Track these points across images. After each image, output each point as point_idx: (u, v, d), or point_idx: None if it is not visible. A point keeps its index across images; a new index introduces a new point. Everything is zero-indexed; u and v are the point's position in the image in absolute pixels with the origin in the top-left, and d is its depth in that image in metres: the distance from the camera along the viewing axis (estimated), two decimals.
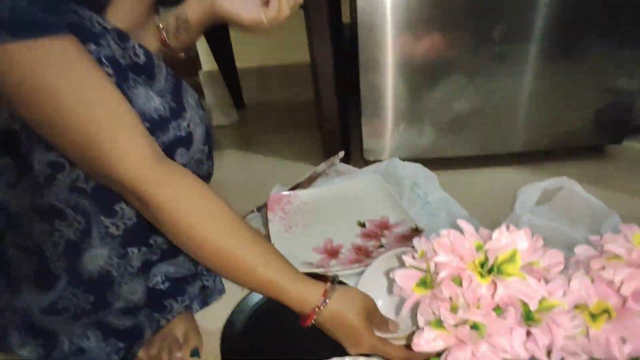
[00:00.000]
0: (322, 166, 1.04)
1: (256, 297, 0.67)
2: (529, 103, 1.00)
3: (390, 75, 0.99)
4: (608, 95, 0.98)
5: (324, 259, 0.78)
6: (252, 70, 1.70)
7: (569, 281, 0.37)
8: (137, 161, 0.42)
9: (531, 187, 0.68)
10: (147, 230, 0.55)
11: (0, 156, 0.47)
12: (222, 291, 0.71)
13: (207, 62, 1.68)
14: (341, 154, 1.04)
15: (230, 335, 0.61)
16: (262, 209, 0.96)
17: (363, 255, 0.77)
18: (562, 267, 0.38)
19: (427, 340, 0.36)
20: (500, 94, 0.99)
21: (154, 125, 0.50)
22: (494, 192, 0.96)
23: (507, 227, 0.37)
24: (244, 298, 0.67)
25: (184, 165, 0.51)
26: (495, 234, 0.37)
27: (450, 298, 0.36)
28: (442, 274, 0.37)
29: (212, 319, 0.66)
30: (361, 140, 1.08)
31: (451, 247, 0.38)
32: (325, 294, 0.47)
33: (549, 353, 0.34)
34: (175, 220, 0.45)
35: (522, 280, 0.34)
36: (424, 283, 0.40)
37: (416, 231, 0.79)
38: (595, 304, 0.35)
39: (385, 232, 0.84)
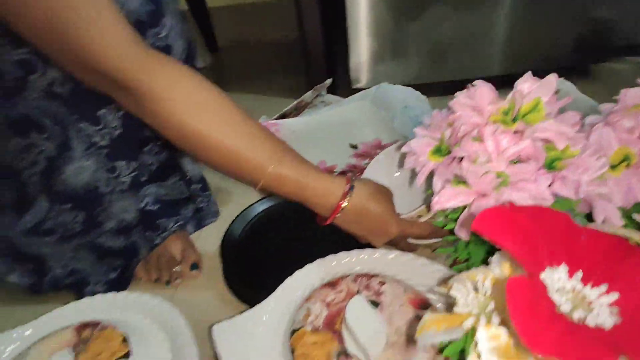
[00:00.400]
0: (309, 94, 0.99)
1: (256, 210, 0.65)
2: (510, 26, 0.98)
3: (376, 2, 0.94)
4: (591, 14, 0.98)
5: None
6: (224, 9, 1.59)
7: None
8: (122, 47, 0.36)
9: None
10: (135, 145, 0.51)
11: None
12: (216, 214, 0.68)
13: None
14: (328, 81, 1.00)
15: (230, 242, 0.59)
16: None
17: (358, 172, 0.75)
18: (579, 126, 0.37)
19: (447, 197, 0.35)
20: (481, 17, 0.97)
21: None
22: None
23: (531, 74, 0.35)
24: (244, 210, 0.64)
25: None
26: (519, 82, 0.35)
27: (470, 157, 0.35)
28: (463, 129, 0.35)
29: (209, 242, 0.63)
30: (347, 71, 1.04)
31: (469, 105, 0.36)
32: (349, 182, 0.44)
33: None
34: (168, 111, 0.39)
35: (549, 122, 0.33)
36: (439, 150, 0.38)
37: None
38: (615, 152, 0.35)
39: (379, 151, 0.82)
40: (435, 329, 0.26)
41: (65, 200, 0.47)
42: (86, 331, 0.42)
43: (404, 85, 0.98)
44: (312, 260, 0.50)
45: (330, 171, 0.77)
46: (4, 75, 0.40)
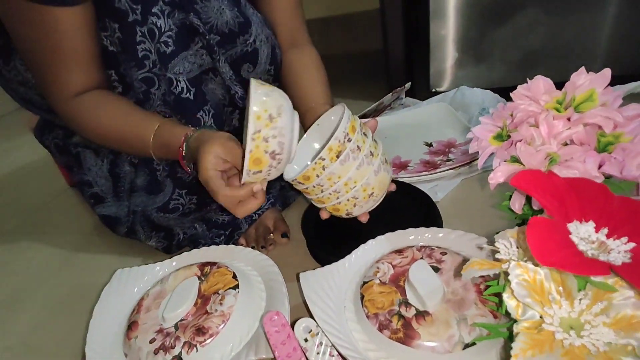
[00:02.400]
0: (389, 97, 1.07)
1: None
2: (604, 30, 0.95)
3: (460, 6, 0.99)
4: None
5: (393, 171, 0.83)
6: (316, 22, 1.74)
7: None
8: (54, 100, 0.55)
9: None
10: None
11: (108, 71, 0.56)
12: (298, 192, 0.79)
13: None
14: (408, 84, 1.07)
15: (311, 216, 0.69)
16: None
17: (431, 167, 0.81)
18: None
19: (502, 173, 0.40)
20: (574, 22, 0.95)
21: (224, 39, 0.58)
22: None
23: (586, 69, 0.39)
24: None
25: None
26: (574, 75, 0.39)
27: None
28: (519, 116, 0.41)
29: (295, 219, 0.75)
30: (427, 76, 1.10)
31: (527, 95, 0.41)
32: (187, 132, 0.51)
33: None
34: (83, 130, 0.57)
35: (602, 108, 0.37)
36: (499, 136, 0.44)
37: None
38: None
39: (453, 149, 0.86)
40: (478, 268, 0.33)
41: (184, 187, 0.62)
42: (207, 268, 0.55)
43: (485, 89, 1.01)
44: (382, 234, 0.58)
45: (404, 166, 0.84)
46: (135, 89, 0.56)
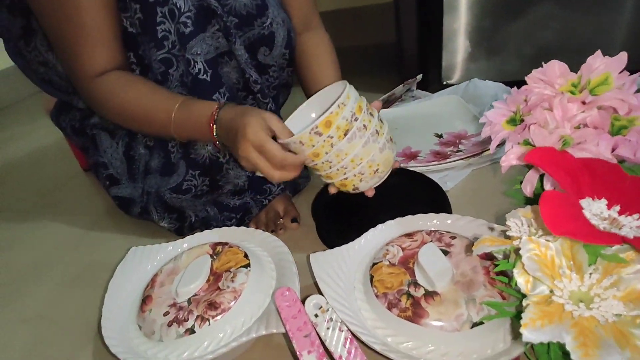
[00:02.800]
0: (400, 88, 1.07)
1: None
2: (621, 26, 0.94)
3: (475, 4, 0.98)
4: None
5: (403, 160, 0.83)
6: (328, 14, 1.75)
7: None
8: (78, 78, 0.57)
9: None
10: None
11: (128, 54, 0.58)
12: (308, 179, 0.80)
13: None
14: (419, 76, 1.07)
15: (321, 202, 0.70)
16: None
17: (441, 157, 0.81)
18: None
19: (514, 155, 0.41)
20: (591, 16, 0.94)
21: (242, 21, 0.59)
22: None
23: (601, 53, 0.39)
24: None
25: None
26: (590, 58, 0.40)
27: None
28: (534, 99, 0.41)
29: (304, 204, 0.76)
30: (439, 68, 1.10)
31: (542, 79, 0.41)
32: (216, 107, 0.52)
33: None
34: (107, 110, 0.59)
35: (617, 91, 0.37)
36: (513, 120, 0.44)
37: None
38: None
39: (463, 140, 0.87)
40: (489, 244, 0.34)
41: (197, 167, 0.63)
42: (218, 247, 0.57)
43: (497, 82, 1.00)
44: (390, 220, 0.58)
45: (414, 156, 0.84)
46: (154, 70, 0.57)
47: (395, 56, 1.26)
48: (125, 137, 0.70)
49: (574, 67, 0.42)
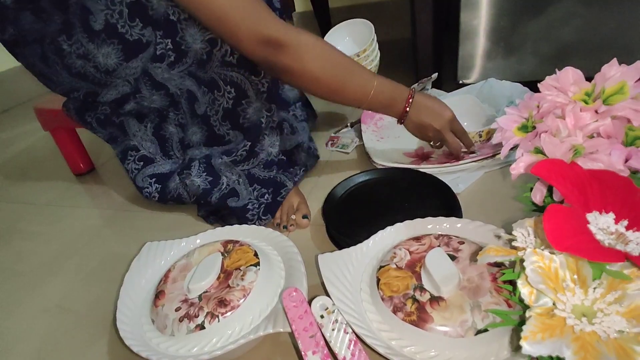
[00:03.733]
0: (415, 87, 1.07)
1: (354, 180, 0.76)
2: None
3: (494, 2, 0.97)
4: None
5: (414, 161, 0.83)
6: (342, 9, 1.74)
7: None
8: (249, 45, 0.57)
9: None
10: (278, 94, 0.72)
11: (163, 40, 0.61)
12: (316, 156, 0.86)
13: (300, 3, 1.76)
14: (434, 75, 1.05)
15: (332, 201, 0.71)
16: (355, 124, 1.03)
17: (454, 159, 0.81)
18: None
19: (525, 164, 0.41)
20: (614, 20, 0.91)
21: None
22: None
23: (617, 61, 0.38)
24: (344, 179, 0.76)
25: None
26: (605, 67, 0.39)
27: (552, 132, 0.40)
28: (546, 106, 0.40)
29: (316, 203, 0.76)
30: (455, 66, 1.08)
31: (555, 86, 0.41)
32: (411, 90, 0.68)
33: None
34: (304, 62, 0.59)
35: (631, 101, 0.36)
36: (524, 127, 0.44)
37: None
38: None
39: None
40: (494, 254, 0.34)
41: (241, 130, 0.69)
42: (229, 245, 0.58)
43: (514, 82, 0.99)
44: (398, 222, 0.59)
45: (426, 156, 0.84)
46: (197, 52, 0.62)
47: (411, 53, 1.25)
48: (155, 119, 0.73)
49: (594, 66, 0.41)
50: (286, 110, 0.80)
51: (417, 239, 0.53)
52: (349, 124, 1.05)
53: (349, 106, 0.69)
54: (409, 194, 0.71)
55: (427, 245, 0.52)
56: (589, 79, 0.41)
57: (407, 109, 0.69)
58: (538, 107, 0.45)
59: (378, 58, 0.86)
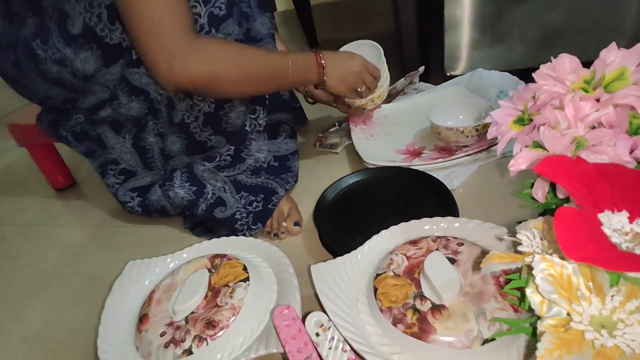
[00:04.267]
0: (402, 82, 1.04)
1: (345, 182, 0.73)
2: (625, 15, 0.89)
3: None
4: None
5: (406, 158, 0.80)
6: (324, 6, 1.70)
7: None
8: (182, 36, 0.53)
9: None
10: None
11: None
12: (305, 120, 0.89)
13: (281, 2, 1.72)
14: (421, 68, 1.03)
15: (323, 205, 0.68)
16: (344, 123, 1.00)
17: (446, 154, 0.78)
18: None
19: (524, 159, 0.38)
20: (602, 1, 0.90)
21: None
22: None
23: (617, 45, 0.36)
24: (335, 182, 0.73)
25: None
26: (603, 52, 0.36)
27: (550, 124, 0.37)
28: (543, 97, 0.38)
29: (306, 207, 0.74)
30: (441, 58, 1.06)
31: (551, 75, 0.38)
32: (317, 53, 0.68)
33: None
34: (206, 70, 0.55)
35: (630, 87, 0.34)
36: (520, 120, 0.41)
37: None
38: None
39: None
40: (498, 262, 0.31)
41: (224, 135, 0.66)
42: (217, 260, 0.55)
43: (502, 71, 0.96)
44: (392, 223, 0.56)
45: (418, 153, 0.81)
46: None
47: (396, 47, 1.22)
48: (132, 130, 0.69)
49: (583, 50, 0.38)
50: (286, 112, 0.77)
51: (414, 242, 0.50)
52: (336, 123, 1.02)
53: (273, 92, 0.70)
54: (403, 194, 0.69)
55: (425, 249, 0.49)
56: (582, 64, 0.38)
57: (323, 70, 0.68)
58: (534, 98, 0.42)
59: (388, 81, 0.85)
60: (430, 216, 0.56)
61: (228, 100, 0.62)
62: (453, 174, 0.75)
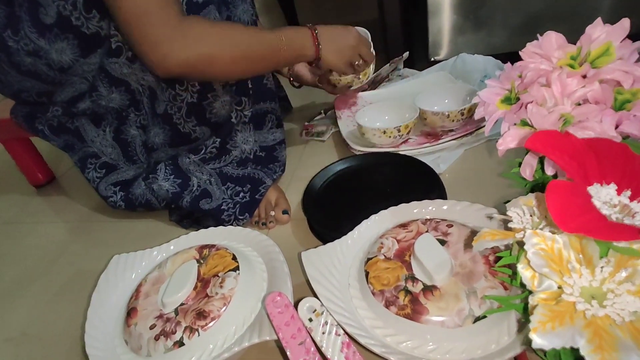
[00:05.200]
0: (386, 68, 1.03)
1: (333, 170, 0.73)
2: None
3: None
4: None
5: (393, 143, 0.80)
6: None
7: None
8: (169, 19, 0.50)
9: None
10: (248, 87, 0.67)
11: (118, 32, 0.55)
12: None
13: None
14: (405, 54, 1.02)
15: (311, 193, 0.67)
16: (330, 111, 0.99)
17: (433, 138, 0.79)
18: None
19: (512, 138, 0.38)
20: None
21: None
22: None
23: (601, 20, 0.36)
24: (322, 169, 0.72)
25: None
26: (589, 27, 0.36)
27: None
28: (530, 75, 0.38)
29: (294, 196, 0.73)
30: (426, 44, 1.05)
31: (538, 53, 0.38)
32: (311, 29, 0.65)
33: None
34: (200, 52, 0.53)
35: (616, 62, 0.34)
36: (508, 99, 0.41)
37: None
38: None
39: None
40: (490, 239, 0.31)
41: (209, 126, 0.64)
42: (205, 250, 0.54)
43: (486, 55, 0.97)
44: (381, 208, 0.56)
45: (405, 139, 0.81)
46: None
47: (379, 33, 1.21)
48: (113, 122, 0.67)
49: (567, 33, 0.38)
50: (271, 101, 0.75)
51: (404, 225, 0.50)
52: (322, 111, 1.01)
53: (267, 71, 0.69)
54: (391, 179, 0.69)
55: (415, 232, 0.49)
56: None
57: (319, 45, 0.66)
58: (520, 77, 0.42)
59: (374, 61, 0.84)
60: (419, 200, 0.56)
61: (211, 89, 0.60)
62: (440, 158, 0.75)
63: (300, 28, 0.65)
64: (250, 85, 0.67)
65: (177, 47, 0.50)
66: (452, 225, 0.48)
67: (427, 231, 0.48)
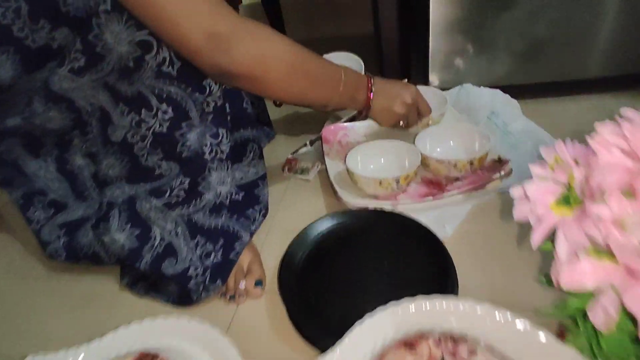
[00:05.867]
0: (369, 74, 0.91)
1: (315, 230, 0.60)
2: (617, 22, 0.81)
3: None
4: None
5: (391, 193, 0.68)
6: (296, 2, 1.55)
7: None
8: (197, 39, 0.45)
9: None
10: (227, 119, 0.56)
11: (71, 37, 0.44)
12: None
13: None
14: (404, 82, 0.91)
15: (289, 266, 0.55)
16: (316, 142, 0.87)
17: (435, 188, 0.67)
18: None
19: (583, 273, 0.26)
20: (580, 15, 0.81)
21: None
22: (581, 120, 0.81)
23: None
24: (303, 230, 0.60)
25: None
26: None
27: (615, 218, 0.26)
28: (610, 179, 0.26)
29: (271, 255, 0.60)
30: (425, 70, 0.94)
31: (619, 145, 0.26)
32: (368, 76, 0.63)
33: None
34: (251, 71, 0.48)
35: None
36: (566, 200, 0.29)
37: (499, 162, 0.67)
38: None
39: None
40: None
41: (178, 161, 0.52)
42: None
43: (489, 86, 0.86)
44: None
45: (404, 191, 0.69)
46: (126, 55, 0.46)
47: (375, 52, 1.10)
48: (54, 150, 0.55)
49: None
50: (252, 127, 0.65)
51: (410, 346, 0.38)
52: (308, 142, 0.88)
53: (314, 108, 0.61)
54: (387, 248, 0.57)
55: (426, 358, 0.36)
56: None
57: (371, 95, 0.62)
58: (576, 162, 0.31)
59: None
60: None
61: (186, 117, 0.50)
62: (444, 215, 0.63)
63: (358, 72, 0.62)
64: (228, 110, 0.54)
65: (242, 44, 0.47)
66: (475, 353, 0.36)
67: (442, 358, 0.36)
